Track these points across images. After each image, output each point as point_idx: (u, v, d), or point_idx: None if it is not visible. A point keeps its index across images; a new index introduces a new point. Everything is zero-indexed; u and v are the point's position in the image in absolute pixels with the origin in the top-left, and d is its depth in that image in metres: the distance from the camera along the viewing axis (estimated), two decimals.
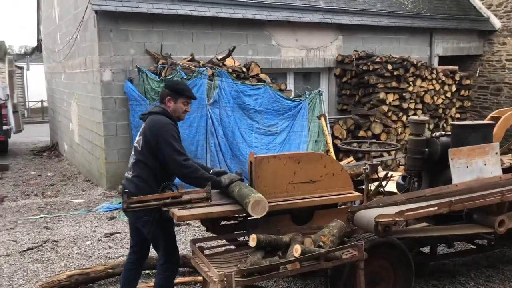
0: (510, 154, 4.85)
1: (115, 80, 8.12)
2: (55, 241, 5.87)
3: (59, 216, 7.06)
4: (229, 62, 8.44)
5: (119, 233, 6.13)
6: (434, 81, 10.05)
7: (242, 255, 3.40)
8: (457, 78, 10.41)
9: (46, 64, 14.71)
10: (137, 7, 7.99)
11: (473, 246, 4.83)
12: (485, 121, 4.93)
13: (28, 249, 5.58)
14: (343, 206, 4.11)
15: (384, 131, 9.41)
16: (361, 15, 10.32)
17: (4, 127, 12.40)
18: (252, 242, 3.22)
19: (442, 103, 10.24)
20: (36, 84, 24.66)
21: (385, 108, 9.51)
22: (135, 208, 3.31)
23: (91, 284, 4.50)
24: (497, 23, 12.03)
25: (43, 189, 8.96)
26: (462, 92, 10.61)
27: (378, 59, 9.49)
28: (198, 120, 7.65)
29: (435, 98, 10.12)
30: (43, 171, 10.85)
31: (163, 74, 7.76)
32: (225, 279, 2.83)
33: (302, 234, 3.45)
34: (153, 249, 3.78)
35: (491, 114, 5.10)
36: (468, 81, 10.63)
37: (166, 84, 3.89)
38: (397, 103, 9.68)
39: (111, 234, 6.11)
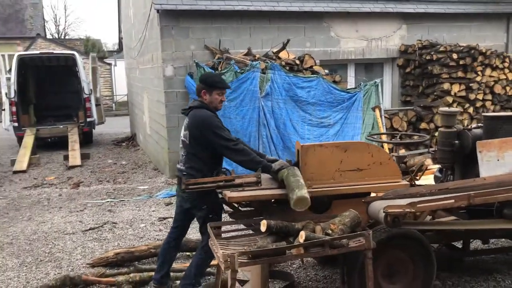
0: None
1: (177, 75, 8.61)
2: (114, 222, 6.45)
3: (123, 200, 7.70)
4: (283, 55, 8.59)
5: (172, 217, 6.56)
6: (506, 70, 9.42)
7: (262, 239, 3.58)
8: None
9: (126, 60, 15.82)
10: (196, 4, 8.41)
11: None
12: None
13: (90, 229, 6.20)
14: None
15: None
16: (427, 3, 9.93)
17: (88, 119, 13.54)
18: (263, 227, 3.39)
19: None
20: (122, 79, 26.54)
21: (449, 99, 9.11)
22: (192, 189, 3.63)
23: (135, 262, 4.92)
24: None
25: (115, 176, 9.76)
26: None
27: (442, 48, 9.10)
28: (250, 112, 7.90)
29: (508, 88, 9.48)
30: (118, 159, 11.76)
31: (219, 68, 8.10)
32: (228, 259, 3.04)
33: (317, 222, 3.56)
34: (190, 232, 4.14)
35: None
36: None
37: (200, 78, 4.13)
38: (463, 94, 9.23)
39: (164, 218, 6.57)
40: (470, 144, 4.00)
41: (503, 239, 4.84)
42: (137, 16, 11.44)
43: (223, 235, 3.69)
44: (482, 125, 4.16)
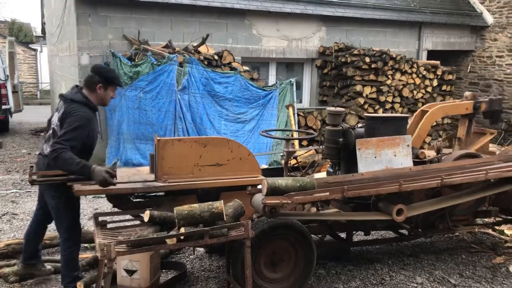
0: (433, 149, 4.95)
1: (93, 64, 8.38)
2: (14, 214, 6.22)
3: (29, 191, 7.42)
4: (203, 49, 8.65)
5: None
6: (414, 75, 10.07)
7: (142, 230, 3.63)
8: (439, 72, 10.39)
9: (48, 47, 15.18)
10: None
11: (396, 235, 4.98)
12: (398, 114, 5.05)
13: None
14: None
15: (359, 123, 9.48)
16: (345, 7, 10.36)
17: (4, 107, 12.85)
18: (146, 218, 3.46)
19: (422, 97, 10.25)
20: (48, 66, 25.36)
21: (361, 100, 9.59)
22: (40, 183, 3.58)
23: None
24: (489, 18, 11.90)
25: (26, 166, 9.35)
26: (444, 87, 10.59)
27: (356, 52, 9.55)
28: (167, 105, 7.89)
29: (415, 92, 10.14)
30: (34, 150, 11.26)
31: (136, 59, 8.02)
32: (104, 248, 3.08)
33: None
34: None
35: (421, 108, 5.18)
36: (450, 76, 10.60)
37: (97, 70, 3.79)
38: (374, 96, 9.75)
39: None
40: (353, 141, 4.27)
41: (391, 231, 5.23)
42: (57, 1, 11.02)
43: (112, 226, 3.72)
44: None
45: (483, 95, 11.93)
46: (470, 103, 5.12)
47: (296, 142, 7.80)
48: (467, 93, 5.30)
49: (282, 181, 3.56)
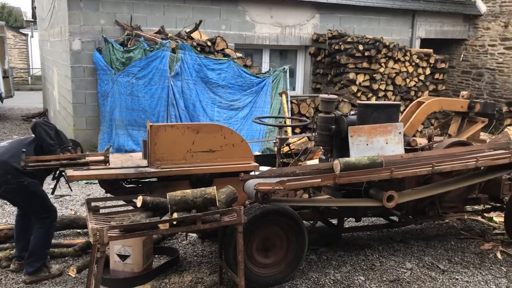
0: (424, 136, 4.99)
1: (85, 50, 8.34)
2: None
3: None
4: (196, 35, 8.59)
5: (70, 195, 6.45)
6: (407, 63, 10.08)
7: (135, 215, 3.64)
8: (431, 61, 10.41)
9: (39, 32, 14.99)
10: None
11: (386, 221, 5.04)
12: (390, 102, 5.08)
13: None
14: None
15: (351, 111, 9.50)
16: None
17: None
18: (139, 203, 3.47)
19: (414, 85, 10.28)
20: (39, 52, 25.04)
21: (354, 88, 9.61)
22: (34, 167, 3.58)
23: None
24: (482, 7, 11.91)
25: None
26: (436, 76, 10.63)
27: (349, 39, 9.54)
28: (159, 91, 7.86)
29: (408, 80, 10.16)
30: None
31: (128, 45, 7.96)
32: (97, 233, 3.09)
33: None
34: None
35: (418, 99, 5.24)
36: (443, 65, 10.63)
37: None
38: (367, 84, 9.77)
39: (62, 196, 6.42)
40: (345, 129, 4.29)
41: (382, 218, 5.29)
42: None
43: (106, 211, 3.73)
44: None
45: (475, 84, 12.02)
46: (465, 102, 5.24)
47: (289, 129, 7.83)
48: (463, 93, 5.45)
49: (353, 159, 3.87)
